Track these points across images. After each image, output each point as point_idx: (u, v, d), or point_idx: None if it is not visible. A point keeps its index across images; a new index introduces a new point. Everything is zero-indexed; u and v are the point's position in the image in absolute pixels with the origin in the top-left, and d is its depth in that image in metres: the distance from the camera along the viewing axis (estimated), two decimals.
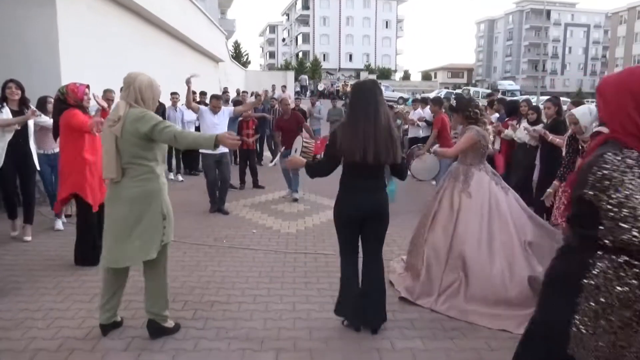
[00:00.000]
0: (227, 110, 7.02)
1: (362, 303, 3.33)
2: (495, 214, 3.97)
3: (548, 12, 70.07)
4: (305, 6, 75.68)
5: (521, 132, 6.60)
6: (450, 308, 3.72)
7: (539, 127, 6.28)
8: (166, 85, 9.56)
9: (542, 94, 41.63)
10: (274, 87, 23.70)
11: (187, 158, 9.99)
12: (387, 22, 77.74)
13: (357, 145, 3.05)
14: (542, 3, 57.46)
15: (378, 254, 3.39)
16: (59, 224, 5.83)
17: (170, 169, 9.41)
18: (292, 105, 10.11)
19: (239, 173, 8.79)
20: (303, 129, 7.97)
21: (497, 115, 8.07)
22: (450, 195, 4.15)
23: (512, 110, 7.52)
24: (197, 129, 9.16)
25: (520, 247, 3.87)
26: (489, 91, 36.36)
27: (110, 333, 3.28)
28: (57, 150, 5.48)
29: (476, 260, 3.83)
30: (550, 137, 5.66)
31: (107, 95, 6.77)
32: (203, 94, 11.16)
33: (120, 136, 2.96)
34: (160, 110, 8.06)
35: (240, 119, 8.39)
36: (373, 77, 41.95)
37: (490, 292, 3.71)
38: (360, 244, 3.43)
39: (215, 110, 6.86)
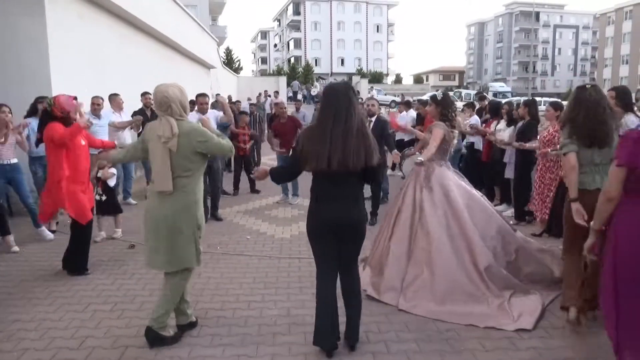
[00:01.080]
0: (213, 114, 6.93)
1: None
2: (457, 208, 4.12)
3: (537, 14, 70.70)
4: (296, 12, 75.90)
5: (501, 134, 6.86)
6: (416, 306, 3.78)
7: (508, 131, 6.65)
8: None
9: (533, 95, 41.94)
10: (266, 92, 23.76)
11: None
12: (378, 27, 78.06)
13: (321, 149, 2.82)
14: (531, 5, 57.96)
15: (350, 268, 3.14)
16: (47, 233, 5.74)
17: None
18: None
19: (234, 179, 8.77)
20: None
21: (475, 117, 8.19)
22: (413, 191, 4.33)
23: (495, 112, 7.74)
24: None
25: (481, 240, 4.01)
26: (473, 93, 36.66)
27: (103, 342, 3.27)
28: (13, 161, 5.57)
29: (440, 254, 3.94)
30: (517, 145, 6.08)
31: (95, 101, 6.90)
32: (193, 102, 11.01)
33: (175, 151, 3.03)
34: (154, 117, 7.97)
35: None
36: (365, 80, 42.04)
37: (456, 286, 3.82)
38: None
39: (202, 108, 6.72)
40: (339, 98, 2.91)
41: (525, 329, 3.45)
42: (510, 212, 6.68)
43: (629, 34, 56.70)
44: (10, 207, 6.58)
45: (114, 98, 7.58)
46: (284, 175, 3.31)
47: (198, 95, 7.04)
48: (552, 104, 5.84)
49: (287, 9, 79.16)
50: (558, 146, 4.34)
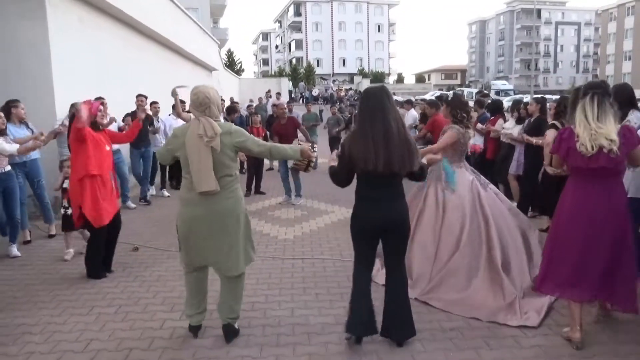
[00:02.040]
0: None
1: (387, 317, 3.22)
2: (478, 209, 4.19)
3: (539, 12, 70.50)
4: (297, 13, 75.98)
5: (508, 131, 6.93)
6: (433, 298, 3.89)
7: (517, 129, 6.71)
8: (160, 96, 9.59)
9: (536, 92, 41.84)
10: (268, 93, 23.76)
11: (174, 173, 9.41)
12: (379, 26, 78.06)
13: (367, 153, 2.93)
14: (533, 2, 57.86)
15: (398, 267, 3.23)
16: (14, 251, 5.30)
17: (152, 184, 8.85)
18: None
19: (247, 181, 8.81)
20: (299, 133, 8.04)
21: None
22: (435, 193, 4.37)
23: (495, 109, 7.88)
24: None
25: (499, 239, 4.09)
26: (473, 90, 36.58)
27: (107, 344, 3.28)
28: (7, 169, 5.31)
29: (462, 254, 4.03)
30: (533, 140, 6.11)
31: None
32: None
33: (219, 150, 3.08)
34: (148, 122, 7.95)
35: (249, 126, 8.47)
36: (367, 80, 41.99)
37: (475, 283, 3.90)
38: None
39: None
40: (374, 101, 3.05)
41: (530, 326, 3.45)
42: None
43: (631, 30, 56.50)
44: None
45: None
46: (338, 180, 3.25)
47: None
48: (536, 99, 6.32)
49: (288, 10, 79.24)
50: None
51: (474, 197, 4.24)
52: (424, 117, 9.86)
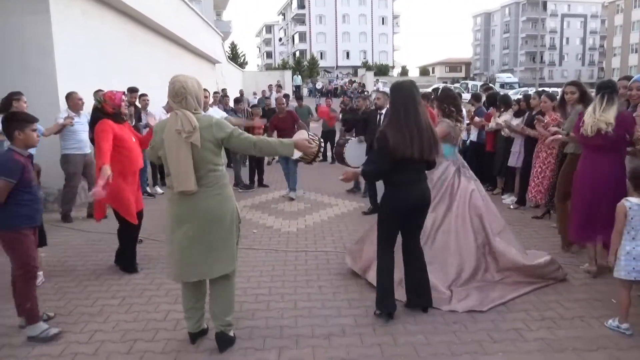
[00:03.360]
0: (215, 111, 6.91)
1: (413, 286, 3.56)
2: (456, 201, 4.24)
3: (544, 4, 70.00)
4: (301, 5, 75.62)
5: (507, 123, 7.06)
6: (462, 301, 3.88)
7: (515, 121, 6.85)
8: (163, 89, 9.57)
9: (541, 85, 41.59)
10: (271, 87, 23.73)
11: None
12: (383, 19, 77.63)
13: (407, 142, 3.21)
14: None
15: (418, 241, 3.62)
16: None
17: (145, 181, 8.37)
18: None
19: (249, 173, 8.82)
20: (297, 127, 7.99)
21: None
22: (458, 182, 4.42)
23: (492, 102, 7.99)
24: None
25: (473, 231, 4.17)
26: (477, 83, 36.43)
27: (112, 335, 3.29)
28: None
29: (439, 244, 4.12)
30: (527, 131, 6.40)
31: (76, 96, 6.50)
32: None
33: (199, 146, 2.85)
34: (137, 114, 7.78)
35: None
36: (371, 73, 41.79)
37: (451, 273, 4.00)
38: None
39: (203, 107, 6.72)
40: (405, 94, 3.33)
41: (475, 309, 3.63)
42: (510, 199, 7.07)
43: (638, 23, 55.95)
44: None
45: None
46: (380, 172, 3.44)
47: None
48: (548, 96, 6.28)
49: (291, 3, 78.87)
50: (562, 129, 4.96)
51: (452, 190, 4.30)
52: None
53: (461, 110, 4.67)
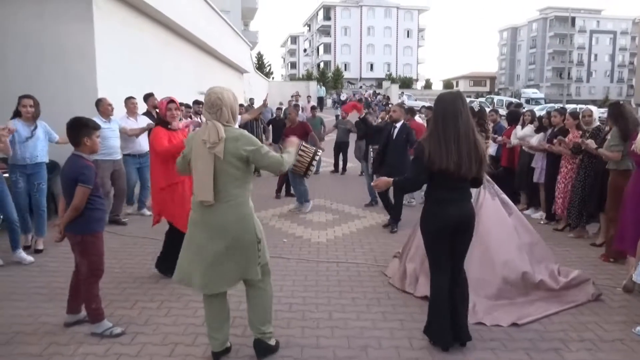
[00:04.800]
0: (238, 118, 7.03)
1: (452, 317, 3.29)
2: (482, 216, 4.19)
3: (573, 19, 69.08)
4: (327, 17, 76.31)
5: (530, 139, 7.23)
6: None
7: (537, 137, 7.00)
8: (194, 96, 9.79)
9: (568, 102, 41.02)
10: (296, 96, 23.89)
11: None
12: (408, 32, 77.75)
13: (446, 155, 3.07)
14: (567, 10, 56.75)
15: (462, 265, 3.37)
16: (25, 257, 5.04)
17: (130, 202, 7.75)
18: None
19: (278, 182, 8.91)
20: (309, 138, 8.09)
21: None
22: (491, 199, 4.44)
23: (513, 119, 8.07)
24: None
25: (497, 246, 4.15)
26: (512, 100, 36.21)
27: (152, 338, 3.36)
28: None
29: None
30: (550, 148, 6.50)
31: (105, 101, 6.51)
32: (240, 105, 11.07)
33: (222, 158, 2.85)
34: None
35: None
36: (396, 86, 41.77)
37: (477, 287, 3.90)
38: None
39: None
40: (447, 106, 3.18)
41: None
42: (539, 214, 7.13)
43: None
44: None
45: (127, 102, 7.03)
46: (410, 185, 3.40)
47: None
48: (571, 114, 6.49)
49: (317, 14, 79.64)
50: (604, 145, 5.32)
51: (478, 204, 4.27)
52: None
53: (488, 129, 4.79)
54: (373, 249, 5.70)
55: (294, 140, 3.34)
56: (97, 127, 3.48)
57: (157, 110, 4.51)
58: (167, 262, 4.56)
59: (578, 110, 7.08)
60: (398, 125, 6.61)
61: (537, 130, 7.16)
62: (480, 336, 3.48)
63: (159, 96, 8.12)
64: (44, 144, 5.48)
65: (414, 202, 8.08)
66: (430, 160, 3.10)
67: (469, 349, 3.30)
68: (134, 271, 4.80)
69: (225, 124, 2.93)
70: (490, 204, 4.35)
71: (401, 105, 7.54)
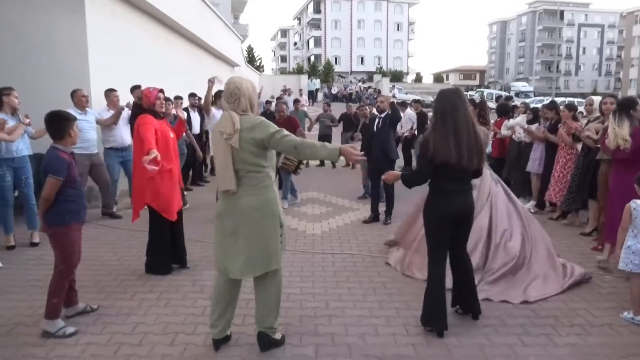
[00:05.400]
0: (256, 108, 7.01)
1: (462, 297, 3.62)
2: (493, 202, 4.55)
3: (561, 13, 69.54)
4: (317, 10, 76.02)
5: (520, 131, 7.46)
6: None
7: (534, 126, 7.22)
8: (185, 89, 9.76)
9: (557, 95, 41.39)
10: (288, 90, 23.91)
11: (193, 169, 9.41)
12: (398, 25, 77.73)
13: (450, 148, 3.19)
14: (555, 4, 57.07)
15: (465, 252, 3.62)
16: None
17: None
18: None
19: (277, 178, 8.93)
20: (297, 133, 8.08)
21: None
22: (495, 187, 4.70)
23: (502, 112, 8.42)
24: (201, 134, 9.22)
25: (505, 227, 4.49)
26: (502, 93, 36.49)
27: (153, 328, 3.41)
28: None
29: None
30: (549, 136, 6.76)
31: (81, 93, 6.33)
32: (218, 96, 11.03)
33: (238, 147, 2.91)
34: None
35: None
36: (386, 79, 41.85)
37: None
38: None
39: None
40: (445, 101, 3.33)
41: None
42: (530, 204, 7.23)
43: None
44: None
45: (108, 94, 6.85)
46: (417, 178, 3.46)
47: (219, 94, 7.05)
48: (567, 106, 6.71)
49: (307, 7, 79.30)
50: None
51: (491, 192, 4.60)
52: (420, 117, 11.07)
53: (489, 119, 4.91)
54: (367, 240, 5.78)
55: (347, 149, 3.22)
56: (75, 118, 3.52)
57: (143, 99, 4.41)
58: (156, 260, 4.53)
59: (567, 102, 7.29)
60: (382, 115, 6.66)
61: (531, 122, 7.35)
62: (474, 323, 3.58)
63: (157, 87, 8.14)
64: (26, 137, 5.40)
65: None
66: (434, 153, 3.23)
67: (463, 334, 3.39)
68: (132, 263, 4.83)
69: (241, 113, 2.99)
70: (495, 189, 4.61)
71: (387, 96, 7.62)
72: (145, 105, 4.44)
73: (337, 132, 12.52)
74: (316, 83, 36.61)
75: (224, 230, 3.05)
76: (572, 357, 3.14)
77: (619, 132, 4.45)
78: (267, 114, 11.47)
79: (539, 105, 8.75)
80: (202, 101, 7.42)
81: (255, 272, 3.02)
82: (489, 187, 4.62)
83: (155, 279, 4.40)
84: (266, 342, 3.16)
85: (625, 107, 4.56)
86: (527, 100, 28.18)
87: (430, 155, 3.25)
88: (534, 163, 7.15)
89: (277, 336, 3.21)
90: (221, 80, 6.83)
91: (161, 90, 4.54)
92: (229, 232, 3.02)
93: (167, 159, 4.35)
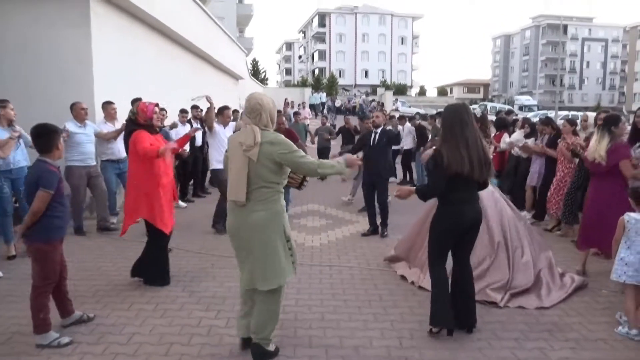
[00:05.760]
0: (232, 125, 7.11)
1: (458, 306, 3.59)
2: (493, 212, 4.61)
3: (565, 27, 69.84)
4: (322, 24, 76.65)
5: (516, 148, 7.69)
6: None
7: (531, 140, 7.43)
8: (189, 102, 9.87)
9: (560, 108, 41.39)
10: (290, 102, 24.08)
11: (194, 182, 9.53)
12: (402, 39, 78.23)
13: (461, 160, 3.32)
14: (559, 18, 57.29)
15: (469, 261, 3.70)
16: None
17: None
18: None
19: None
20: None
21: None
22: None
23: (501, 125, 8.62)
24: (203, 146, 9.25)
25: (506, 236, 4.56)
26: (505, 106, 36.55)
27: (148, 338, 3.44)
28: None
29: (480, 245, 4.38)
30: (548, 151, 6.88)
31: (79, 106, 6.41)
32: (236, 111, 11.02)
33: (256, 160, 2.98)
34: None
35: None
36: (390, 92, 42.02)
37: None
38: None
39: (226, 122, 6.91)
40: (457, 115, 3.46)
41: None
42: (525, 215, 7.29)
43: None
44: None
45: (106, 106, 6.90)
46: (433, 190, 3.55)
47: (223, 108, 7.11)
48: (568, 121, 6.80)
49: (312, 21, 80.00)
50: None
51: (490, 202, 4.64)
52: (419, 132, 11.08)
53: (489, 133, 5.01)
54: (365, 253, 5.80)
55: (351, 157, 3.30)
56: (61, 131, 3.54)
57: (140, 114, 4.44)
58: (155, 269, 4.57)
59: (570, 116, 7.44)
60: (379, 130, 6.70)
61: (528, 136, 7.51)
62: (468, 336, 3.59)
63: (157, 100, 8.25)
64: (23, 147, 5.46)
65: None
66: (449, 165, 3.33)
67: (456, 348, 3.40)
68: (129, 273, 4.85)
69: (263, 128, 3.09)
70: (497, 197, 4.76)
71: (384, 111, 7.78)
72: (141, 119, 4.45)
73: (336, 145, 12.59)
74: (322, 96, 36.61)
75: (233, 243, 3.20)
76: None
77: (597, 147, 4.65)
78: None
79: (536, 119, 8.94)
80: (204, 114, 7.47)
81: (258, 285, 3.10)
82: (494, 200, 4.70)
83: (153, 290, 4.44)
84: (260, 353, 3.16)
85: (608, 123, 4.69)
86: (530, 114, 28.28)
87: (445, 167, 3.33)
88: (533, 177, 7.31)
89: (271, 347, 3.22)
90: (202, 96, 6.84)
91: (156, 105, 4.61)
92: (238, 245, 3.16)
93: (166, 175, 4.44)
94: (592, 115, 6.38)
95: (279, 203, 3.12)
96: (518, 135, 7.61)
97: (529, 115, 24.21)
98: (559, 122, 10.58)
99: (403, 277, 4.84)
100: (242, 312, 3.30)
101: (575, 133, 6.54)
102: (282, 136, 3.12)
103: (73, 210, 6.29)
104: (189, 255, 5.56)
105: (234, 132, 7.21)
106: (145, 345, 3.38)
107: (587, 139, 5.94)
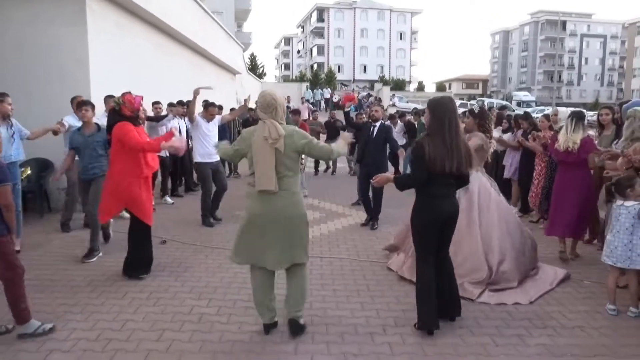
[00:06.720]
0: (217, 119, 7.22)
1: (443, 297, 3.62)
2: (485, 204, 4.66)
3: (564, 23, 69.87)
4: (320, 19, 76.52)
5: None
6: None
7: (507, 136, 7.74)
8: (187, 98, 9.94)
9: (558, 104, 41.55)
10: (287, 97, 24.15)
11: (183, 177, 9.51)
12: (401, 34, 78.12)
13: (445, 155, 3.34)
14: (558, 14, 57.35)
15: (448, 255, 3.74)
16: None
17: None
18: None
19: None
20: None
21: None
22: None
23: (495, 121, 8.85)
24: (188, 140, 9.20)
25: (500, 229, 4.60)
26: (502, 102, 36.68)
27: (141, 325, 3.57)
28: None
29: (466, 241, 4.49)
30: (525, 143, 7.00)
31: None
32: (220, 107, 11.18)
33: (282, 151, 3.25)
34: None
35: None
36: (387, 88, 42.08)
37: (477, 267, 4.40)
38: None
39: (210, 118, 7.00)
40: (444, 109, 3.46)
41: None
42: (515, 209, 7.40)
43: None
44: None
45: (108, 100, 6.60)
46: (412, 182, 3.60)
47: (208, 105, 7.17)
48: (545, 117, 7.08)
49: (311, 16, 79.85)
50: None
51: (483, 194, 4.70)
52: (409, 128, 11.35)
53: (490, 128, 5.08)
54: (356, 245, 5.92)
55: (346, 135, 3.86)
56: None
57: (127, 105, 4.48)
58: (134, 264, 4.64)
59: (544, 113, 7.85)
60: (377, 124, 6.84)
61: (506, 131, 7.87)
62: (450, 324, 3.71)
63: (150, 97, 8.34)
64: (18, 142, 5.49)
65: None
66: (431, 160, 3.35)
67: (438, 335, 3.52)
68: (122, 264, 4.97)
69: (280, 121, 3.33)
70: (488, 188, 4.81)
71: (382, 106, 7.91)
72: (128, 111, 4.47)
73: (323, 138, 12.75)
74: (325, 92, 36.50)
75: (257, 226, 3.35)
76: (541, 356, 3.28)
77: (571, 137, 5.03)
78: (251, 122, 11.21)
79: (537, 115, 9.26)
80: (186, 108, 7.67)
81: (298, 259, 3.41)
82: (488, 191, 4.76)
83: (146, 279, 4.56)
84: (300, 327, 3.50)
85: (581, 117, 5.17)
86: (529, 110, 28.40)
87: (426, 160, 3.35)
88: (509, 170, 7.60)
89: (303, 322, 3.53)
90: (211, 88, 6.98)
91: (142, 97, 4.71)
92: (263, 229, 3.33)
93: (148, 166, 4.55)
94: (562, 109, 6.65)
95: (299, 192, 3.46)
96: (496, 133, 7.76)
97: (528, 110, 24.38)
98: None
99: (390, 269, 4.97)
100: (266, 300, 3.48)
101: (551, 128, 6.68)
102: (296, 128, 3.45)
103: (66, 205, 6.44)
104: (184, 247, 5.68)
105: (221, 124, 7.38)
106: (138, 331, 3.51)
107: (556, 132, 6.06)
